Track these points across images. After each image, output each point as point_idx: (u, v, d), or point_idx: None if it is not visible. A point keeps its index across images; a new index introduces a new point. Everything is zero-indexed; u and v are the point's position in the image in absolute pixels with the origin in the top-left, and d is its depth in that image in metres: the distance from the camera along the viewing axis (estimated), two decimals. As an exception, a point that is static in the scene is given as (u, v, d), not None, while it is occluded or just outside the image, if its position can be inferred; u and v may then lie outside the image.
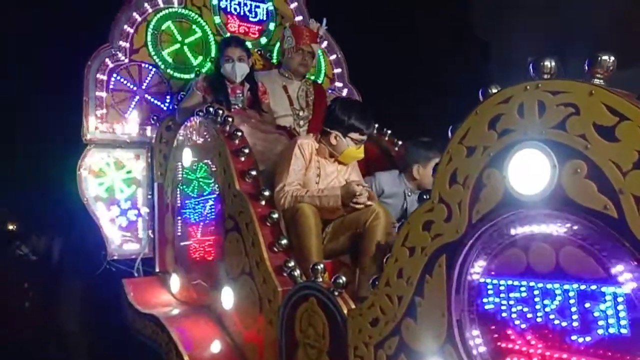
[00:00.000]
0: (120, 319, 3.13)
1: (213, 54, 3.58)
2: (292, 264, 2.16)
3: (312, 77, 3.81)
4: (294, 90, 3.46)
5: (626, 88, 1.07)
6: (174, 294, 3.11)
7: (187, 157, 2.97)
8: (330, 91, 3.95)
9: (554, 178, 1.11)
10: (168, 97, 3.52)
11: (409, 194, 2.84)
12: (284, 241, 2.26)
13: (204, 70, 3.53)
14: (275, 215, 2.34)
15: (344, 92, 4.20)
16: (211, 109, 2.77)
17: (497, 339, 1.25)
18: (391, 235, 2.38)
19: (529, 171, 1.16)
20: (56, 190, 3.21)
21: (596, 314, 1.05)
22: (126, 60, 3.39)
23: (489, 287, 1.28)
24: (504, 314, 1.24)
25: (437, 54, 4.39)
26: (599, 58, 1.08)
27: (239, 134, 2.63)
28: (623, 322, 1.01)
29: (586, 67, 1.10)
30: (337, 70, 4.18)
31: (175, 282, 3.11)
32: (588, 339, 1.07)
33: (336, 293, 1.82)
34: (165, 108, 3.50)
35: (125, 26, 3.42)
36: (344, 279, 1.84)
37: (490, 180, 1.26)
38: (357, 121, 2.52)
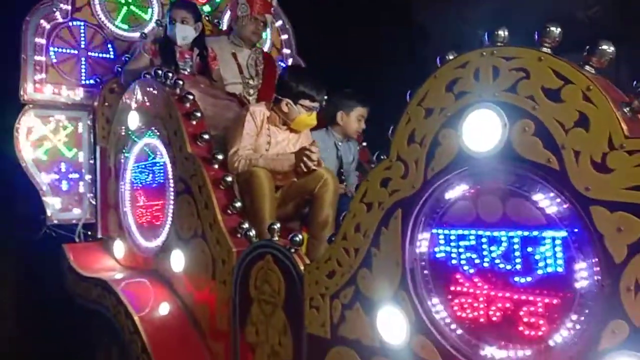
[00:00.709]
0: (60, 285, 3.05)
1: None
2: (246, 225, 2.21)
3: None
4: (243, 58, 3.44)
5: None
6: (118, 259, 3.06)
7: (134, 120, 2.91)
8: (279, 61, 3.96)
9: (504, 136, 1.23)
10: (112, 57, 3.40)
11: (340, 143, 2.98)
12: (238, 204, 2.30)
13: (146, 31, 3.42)
14: (229, 179, 2.37)
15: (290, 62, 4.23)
16: (160, 72, 2.73)
17: (447, 284, 1.37)
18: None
19: (482, 130, 1.28)
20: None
21: (537, 256, 1.19)
22: (67, 19, 3.24)
23: (441, 237, 1.40)
24: (453, 261, 1.36)
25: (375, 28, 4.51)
26: (548, 29, 1.19)
27: (190, 97, 2.61)
28: (560, 262, 1.15)
29: (536, 37, 1.22)
30: (284, 37, 4.18)
31: (119, 247, 3.06)
32: (529, 279, 1.21)
33: (292, 250, 1.89)
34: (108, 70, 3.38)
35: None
36: (300, 236, 1.92)
37: (446, 139, 1.36)
38: (308, 88, 2.57)
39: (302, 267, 1.83)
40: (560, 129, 1.13)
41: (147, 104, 2.80)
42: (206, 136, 2.50)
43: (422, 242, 1.43)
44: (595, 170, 1.08)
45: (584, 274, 1.11)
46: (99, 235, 3.23)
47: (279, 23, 4.15)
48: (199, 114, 2.56)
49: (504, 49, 1.25)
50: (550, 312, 1.17)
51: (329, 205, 2.51)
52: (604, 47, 1.13)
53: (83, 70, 3.29)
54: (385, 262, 1.51)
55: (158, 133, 2.70)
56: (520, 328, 1.22)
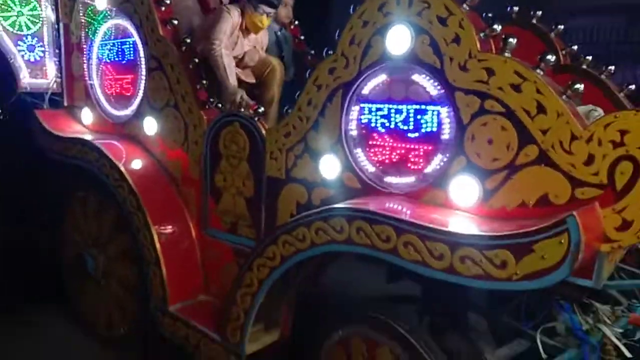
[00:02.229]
0: (34, 145, 3.50)
1: None
2: (213, 99, 2.82)
3: None
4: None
5: None
6: (86, 125, 3.54)
7: (101, 1, 3.25)
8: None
9: (411, 44, 1.94)
10: None
11: (278, 32, 3.57)
12: (205, 81, 2.87)
13: None
14: (197, 60, 2.91)
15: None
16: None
17: (366, 139, 2.14)
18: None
19: (398, 39, 1.97)
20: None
21: (422, 120, 1.97)
22: None
23: (365, 109, 2.13)
24: (372, 124, 2.11)
25: None
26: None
27: (160, -16, 3.02)
28: (435, 124, 1.94)
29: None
30: None
31: (87, 114, 3.52)
32: (417, 134, 1.99)
33: (256, 118, 2.56)
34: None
35: None
36: (262, 108, 2.58)
37: (375, 43, 2.05)
38: None
39: (264, 131, 2.52)
40: (444, 42, 1.86)
41: (116, -13, 3.15)
42: (175, 21, 2.98)
43: (353, 112, 2.16)
44: (459, 70, 1.84)
45: (446, 131, 1.91)
46: (65, 104, 3.65)
47: None
48: (168, 1, 3.00)
49: (416, -15, 1.92)
50: (427, 154, 1.98)
51: (275, 86, 3.17)
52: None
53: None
54: (327, 126, 2.24)
55: (128, 16, 3.10)
56: (409, 165, 2.03)
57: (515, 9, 2.92)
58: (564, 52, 2.84)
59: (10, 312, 3.69)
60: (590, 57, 2.74)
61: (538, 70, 1.73)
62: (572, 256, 1.46)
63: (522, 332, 2.15)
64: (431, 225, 1.72)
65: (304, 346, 2.44)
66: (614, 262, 1.83)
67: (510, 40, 1.78)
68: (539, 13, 2.89)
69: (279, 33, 3.60)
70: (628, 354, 1.85)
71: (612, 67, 2.69)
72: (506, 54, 1.77)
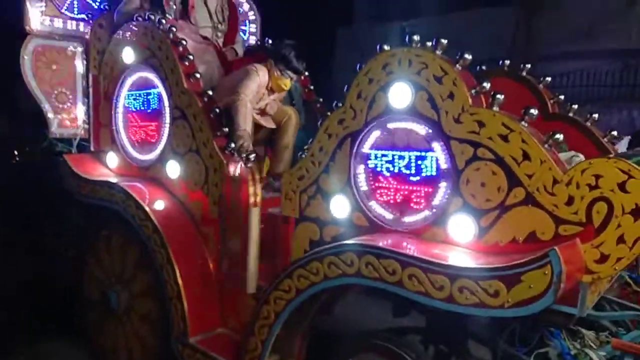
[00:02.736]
0: (63, 188, 3.76)
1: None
2: (232, 145, 3.08)
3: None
4: (212, 5, 4.11)
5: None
6: (111, 168, 3.81)
7: (129, 55, 3.57)
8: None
9: (411, 99, 2.20)
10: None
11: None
12: (225, 129, 3.15)
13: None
14: (218, 110, 3.19)
15: (246, 7, 4.94)
16: (153, 17, 3.41)
17: (373, 182, 2.38)
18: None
19: (400, 95, 2.24)
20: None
21: (422, 166, 2.21)
22: (60, -42, 3.73)
23: (371, 154, 2.38)
24: (378, 168, 2.36)
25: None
26: (440, 43, 2.15)
27: (184, 42, 3.34)
28: (434, 169, 2.18)
29: (433, 44, 2.17)
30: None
31: (112, 158, 3.79)
32: (418, 178, 2.23)
33: (250, 163, 2.82)
34: (96, 7, 3.93)
35: None
36: (253, 155, 2.86)
37: (379, 98, 2.31)
38: (298, 64, 3.36)
39: (256, 177, 2.76)
40: (440, 98, 2.12)
41: (144, 43, 3.47)
42: (197, 75, 3.28)
43: (360, 158, 2.41)
44: (454, 122, 2.09)
45: (445, 175, 2.15)
46: (92, 149, 3.93)
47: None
48: (191, 57, 3.31)
49: (415, 49, 2.20)
50: (427, 195, 2.21)
51: (290, 135, 3.45)
52: (466, 56, 2.11)
53: (76, 6, 3.83)
54: (337, 170, 2.49)
55: (154, 69, 3.41)
56: (412, 204, 2.26)
57: (507, 62, 3.21)
58: (552, 101, 3.10)
59: (34, 346, 3.88)
60: (576, 106, 3.00)
61: (523, 122, 1.98)
62: (555, 285, 1.67)
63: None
64: (433, 259, 1.94)
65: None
66: (597, 293, 2.03)
67: (498, 96, 2.04)
68: (528, 66, 3.17)
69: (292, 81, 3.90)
70: None
71: (596, 115, 2.94)
72: (495, 108, 2.03)
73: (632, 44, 10.53)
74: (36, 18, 3.64)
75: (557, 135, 1.95)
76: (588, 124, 2.93)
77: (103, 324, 3.70)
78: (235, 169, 2.83)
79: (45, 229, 4.03)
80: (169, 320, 3.08)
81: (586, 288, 1.84)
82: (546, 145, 1.94)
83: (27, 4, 3.59)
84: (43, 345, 3.89)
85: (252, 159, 2.83)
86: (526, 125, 1.98)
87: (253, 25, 4.97)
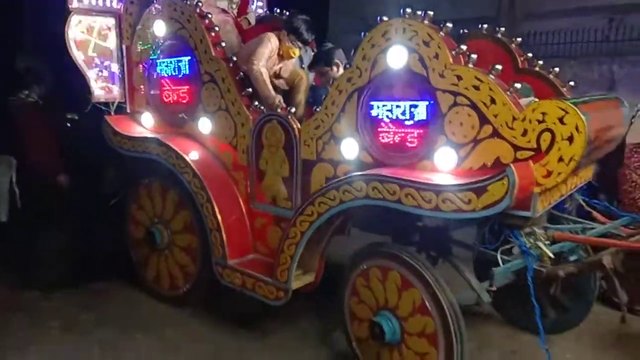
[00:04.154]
0: (106, 144, 4.37)
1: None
2: (256, 103, 3.68)
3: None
4: (227, -21, 4.64)
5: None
6: (147, 127, 4.40)
7: (160, 27, 4.12)
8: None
9: (406, 59, 2.80)
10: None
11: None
12: (249, 89, 3.74)
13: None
14: (242, 74, 3.77)
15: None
16: (182, -7, 3.95)
17: (375, 127, 3.00)
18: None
19: (397, 56, 2.83)
20: (51, 48, 4.17)
21: (415, 112, 2.83)
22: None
23: (374, 105, 2.99)
24: (379, 116, 2.97)
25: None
26: (426, 12, 2.73)
27: (210, 15, 3.90)
28: (424, 114, 2.80)
29: (422, 14, 2.75)
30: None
31: (147, 118, 4.38)
32: (412, 122, 2.85)
33: (289, 116, 3.43)
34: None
35: None
36: (294, 109, 3.45)
37: (379, 60, 2.91)
38: (307, 34, 3.83)
39: (295, 126, 3.37)
40: (428, 58, 2.72)
41: (173, 16, 4.01)
42: (223, 44, 3.85)
43: (365, 108, 3.02)
44: (439, 77, 2.70)
45: (432, 119, 2.77)
46: (128, 110, 4.52)
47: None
48: (217, 28, 3.87)
49: (407, 19, 2.78)
50: (420, 136, 2.84)
51: (302, 92, 4.04)
52: (448, 24, 2.70)
53: (108, -16, 4.34)
54: (347, 119, 3.10)
55: (185, 39, 3.96)
56: (407, 144, 2.89)
57: (485, 26, 3.79)
58: (522, 58, 3.69)
59: (87, 282, 4.55)
60: (541, 62, 3.60)
61: (490, 75, 2.59)
62: (511, 192, 2.32)
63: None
64: (423, 180, 2.59)
65: (333, 283, 3.30)
66: (547, 203, 2.69)
67: (472, 56, 2.64)
68: (502, 29, 3.75)
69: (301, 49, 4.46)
70: (551, 255, 2.72)
71: (557, 68, 3.55)
72: (470, 65, 2.64)
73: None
74: (76, -4, 4.16)
75: (516, 84, 2.57)
76: (551, 76, 3.54)
77: (147, 258, 4.37)
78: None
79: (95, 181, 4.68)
80: (209, 248, 3.74)
81: (537, 197, 2.50)
82: (508, 92, 2.56)
83: (69, -16, 4.11)
84: (97, 283, 4.56)
85: (293, 112, 3.41)
86: (493, 77, 2.60)
87: (260, -3, 5.46)
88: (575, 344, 3.65)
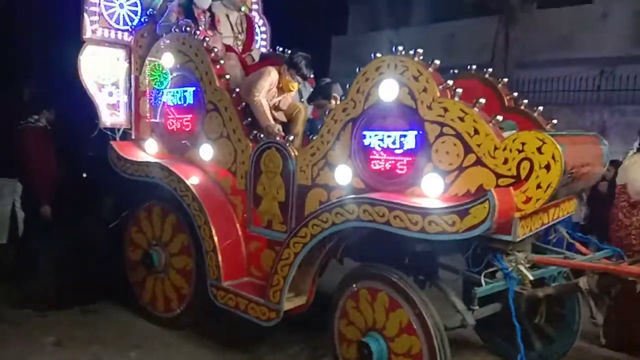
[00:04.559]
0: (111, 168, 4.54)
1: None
2: (255, 131, 3.88)
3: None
4: (233, 18, 4.93)
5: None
6: (150, 153, 4.58)
7: (169, 59, 4.36)
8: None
9: (397, 93, 3.01)
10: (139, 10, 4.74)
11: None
12: (250, 119, 3.95)
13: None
14: (244, 104, 3.99)
15: (259, 21, 5.74)
16: (189, 29, 4.22)
17: (367, 155, 3.18)
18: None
19: (388, 90, 3.04)
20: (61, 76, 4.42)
21: (404, 141, 3.01)
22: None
23: (366, 134, 3.18)
24: (371, 144, 3.16)
25: None
26: (416, 54, 2.96)
27: (215, 49, 4.15)
28: (413, 143, 2.99)
29: (412, 53, 2.98)
30: (255, 7, 5.67)
31: (151, 145, 4.57)
32: (401, 150, 3.03)
33: (288, 144, 3.61)
34: (138, 20, 4.71)
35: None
36: (292, 137, 3.64)
37: (373, 92, 3.12)
38: (306, 70, 4.04)
39: (293, 153, 3.55)
40: (417, 92, 2.93)
41: (182, 50, 4.26)
42: (228, 76, 4.09)
43: (358, 137, 3.21)
44: (427, 109, 2.90)
45: (421, 148, 2.95)
46: (133, 137, 4.71)
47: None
48: (222, 61, 4.12)
49: (399, 56, 3.01)
50: (409, 163, 3.01)
51: (300, 124, 4.24)
52: (435, 61, 2.92)
53: (121, 19, 4.62)
54: (341, 148, 3.29)
55: (191, 71, 4.20)
56: (397, 171, 3.06)
57: (474, 67, 4.03)
58: (508, 97, 3.92)
59: (82, 302, 4.62)
60: (526, 101, 3.83)
61: (475, 108, 2.79)
62: (491, 214, 2.48)
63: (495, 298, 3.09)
64: (410, 204, 2.75)
65: (323, 310, 3.40)
66: (529, 229, 2.84)
67: (458, 90, 2.85)
68: (490, 70, 4.00)
69: (300, 85, 4.70)
70: (531, 277, 2.85)
71: (541, 107, 3.76)
72: (455, 99, 2.84)
73: (607, 52, 11.41)
74: (90, 29, 4.42)
75: (498, 117, 2.77)
76: (535, 114, 3.75)
77: (144, 280, 4.46)
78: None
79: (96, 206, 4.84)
80: (205, 270, 3.85)
81: (517, 221, 2.65)
82: (490, 124, 2.75)
83: (85, 17, 4.37)
84: (92, 304, 4.64)
85: (291, 140, 3.60)
86: (477, 110, 2.79)
87: (264, 35, 5.76)
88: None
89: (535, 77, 11.05)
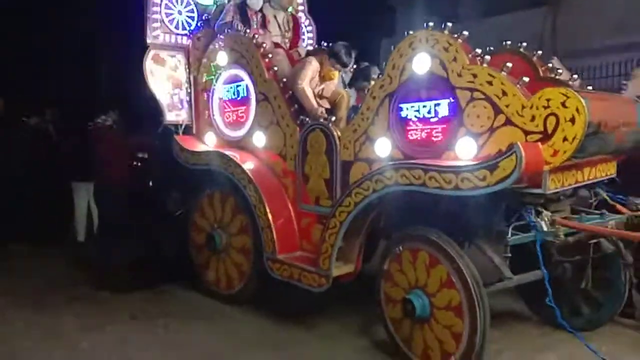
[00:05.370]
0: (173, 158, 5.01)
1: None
2: (302, 116, 4.19)
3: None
4: (280, 18, 5.29)
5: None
6: (209, 145, 5.00)
7: (223, 58, 4.78)
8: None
9: (429, 65, 3.22)
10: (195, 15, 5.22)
11: (342, 73, 4.86)
12: (296, 106, 4.27)
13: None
14: (291, 92, 4.32)
15: (305, 21, 6.10)
16: (241, 28, 4.62)
17: (405, 126, 3.40)
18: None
19: (421, 63, 3.27)
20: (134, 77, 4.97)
21: (438, 109, 3.22)
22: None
23: (403, 107, 3.41)
24: (408, 116, 3.38)
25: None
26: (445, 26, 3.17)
27: (264, 45, 4.53)
28: (446, 110, 3.18)
29: (443, 26, 3.19)
30: (301, 8, 6.04)
31: (210, 137, 4.99)
32: (436, 118, 3.24)
33: (330, 124, 3.90)
34: (195, 25, 5.19)
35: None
36: (334, 118, 3.93)
37: (407, 67, 3.35)
38: (346, 59, 4.34)
39: (335, 132, 3.83)
40: (447, 61, 3.14)
41: (234, 48, 4.67)
42: (275, 68, 4.44)
43: (395, 110, 3.44)
44: (457, 76, 3.10)
45: (453, 114, 3.14)
46: (194, 131, 5.16)
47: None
48: (270, 55, 4.48)
49: (430, 31, 3.23)
50: (444, 130, 3.21)
51: (343, 109, 4.52)
52: (464, 32, 3.12)
53: (180, 24, 5.11)
54: (380, 121, 3.53)
55: (243, 67, 4.59)
56: (433, 138, 3.27)
57: (508, 42, 4.16)
58: (542, 68, 4.01)
59: (151, 284, 5.07)
60: (560, 70, 3.91)
61: (502, 72, 2.97)
62: (519, 165, 2.64)
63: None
64: (444, 164, 2.95)
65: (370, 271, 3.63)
66: (560, 183, 2.96)
67: (486, 57, 3.04)
68: (524, 44, 4.11)
69: (342, 73, 5.00)
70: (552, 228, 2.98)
71: (576, 76, 3.84)
72: (484, 65, 3.02)
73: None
74: (153, 34, 4.93)
75: (524, 78, 2.93)
76: (570, 82, 3.82)
77: (207, 261, 4.85)
78: None
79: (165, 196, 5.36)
80: (261, 247, 4.18)
81: (547, 175, 2.79)
82: (517, 85, 2.91)
83: (148, 24, 4.89)
84: (161, 285, 5.09)
85: (334, 120, 3.91)
86: (504, 74, 2.96)
87: (310, 35, 6.11)
88: (612, 338, 3.73)
89: (589, 65, 10.78)
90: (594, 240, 3.30)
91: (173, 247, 5.26)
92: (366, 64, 4.59)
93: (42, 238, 6.26)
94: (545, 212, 2.97)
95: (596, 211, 3.46)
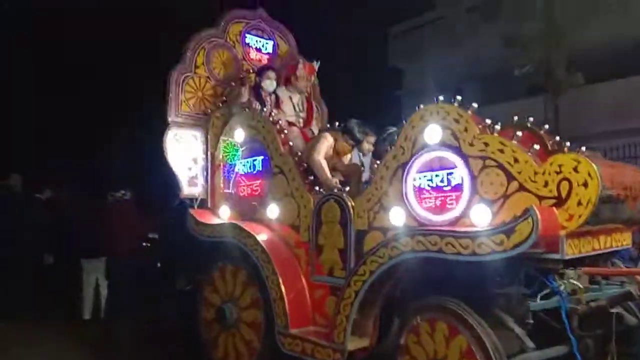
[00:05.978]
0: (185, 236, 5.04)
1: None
2: (317, 187, 4.28)
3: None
4: (295, 100, 5.56)
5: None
6: (224, 218, 5.05)
7: (240, 134, 4.97)
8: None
9: (440, 136, 3.35)
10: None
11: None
12: (311, 177, 4.37)
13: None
14: (306, 165, 4.44)
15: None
16: (257, 106, 4.86)
17: (419, 194, 3.46)
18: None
19: (433, 134, 3.39)
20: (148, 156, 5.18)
21: (451, 178, 3.29)
22: (191, 73, 5.35)
23: (416, 176, 3.49)
24: (421, 185, 3.45)
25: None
26: (455, 98, 3.33)
27: (280, 122, 4.73)
28: (459, 179, 3.25)
29: (452, 99, 3.35)
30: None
31: (225, 210, 5.05)
32: (449, 187, 3.30)
33: (345, 195, 3.97)
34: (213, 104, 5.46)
35: (189, 52, 5.38)
36: (347, 188, 4.00)
37: (419, 139, 3.47)
38: (360, 135, 4.61)
39: (349, 202, 3.89)
40: (459, 132, 3.26)
41: (251, 124, 4.87)
42: (291, 143, 4.60)
43: (409, 180, 3.52)
44: (469, 146, 3.20)
45: (467, 182, 3.21)
46: (209, 205, 5.24)
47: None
48: (285, 131, 4.67)
49: (441, 104, 3.39)
50: (457, 197, 3.26)
51: (357, 182, 4.61)
52: (473, 104, 3.27)
53: (200, 104, 5.37)
54: (394, 191, 3.60)
55: (259, 142, 4.76)
56: (447, 206, 3.31)
57: (515, 117, 4.32)
58: (551, 142, 4.13)
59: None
60: (568, 143, 4.02)
61: (513, 140, 3.07)
62: (535, 228, 2.65)
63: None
64: (460, 230, 2.96)
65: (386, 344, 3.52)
66: (578, 249, 2.94)
67: (496, 127, 3.16)
68: (531, 119, 4.27)
69: (361, 156, 5.14)
70: (580, 286, 2.89)
71: (584, 148, 3.94)
72: (494, 134, 3.14)
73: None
74: (173, 114, 5.19)
75: (535, 146, 3.02)
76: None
77: (216, 338, 4.72)
78: None
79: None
80: (272, 322, 4.09)
81: (564, 239, 2.79)
82: (529, 152, 3.00)
83: (169, 104, 5.17)
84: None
85: (347, 191, 3.98)
86: (515, 142, 3.07)
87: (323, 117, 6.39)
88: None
89: (594, 147, 11.01)
90: (616, 311, 3.21)
91: (180, 322, 5.15)
92: (392, 128, 4.74)
93: (46, 315, 6.18)
94: (567, 272, 2.94)
95: (615, 282, 3.40)
